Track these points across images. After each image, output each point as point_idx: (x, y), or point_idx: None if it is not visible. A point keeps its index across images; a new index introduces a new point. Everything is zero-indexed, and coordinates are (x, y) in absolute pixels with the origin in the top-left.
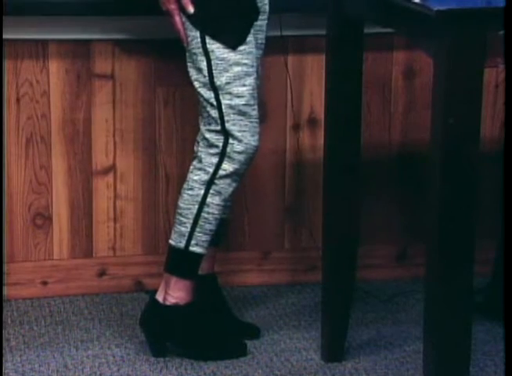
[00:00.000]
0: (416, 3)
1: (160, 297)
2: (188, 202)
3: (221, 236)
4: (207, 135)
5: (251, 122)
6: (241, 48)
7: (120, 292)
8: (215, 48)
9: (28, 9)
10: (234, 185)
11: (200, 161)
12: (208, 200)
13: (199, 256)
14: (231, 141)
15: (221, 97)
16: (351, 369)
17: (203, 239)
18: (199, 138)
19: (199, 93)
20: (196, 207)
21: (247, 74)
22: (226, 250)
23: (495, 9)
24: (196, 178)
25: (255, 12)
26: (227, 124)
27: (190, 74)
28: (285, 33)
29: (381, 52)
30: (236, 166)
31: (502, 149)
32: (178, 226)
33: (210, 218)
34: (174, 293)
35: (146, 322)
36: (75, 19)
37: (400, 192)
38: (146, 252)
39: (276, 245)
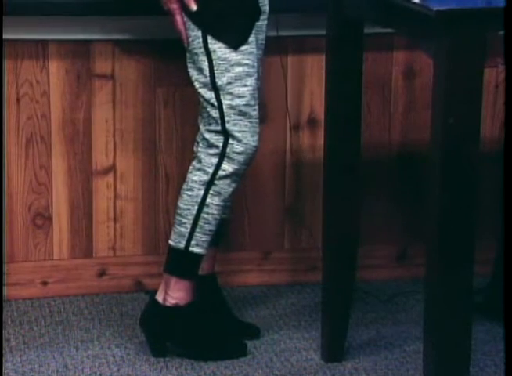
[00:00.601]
0: (416, 3)
1: (159, 297)
2: (187, 202)
3: (221, 237)
4: (207, 136)
5: (251, 123)
6: (243, 48)
7: (120, 292)
8: (217, 48)
9: (28, 9)
10: (234, 185)
11: (200, 162)
12: (208, 200)
13: (199, 256)
14: (231, 141)
15: (221, 97)
16: (351, 369)
17: (203, 239)
18: (198, 138)
19: (199, 93)
20: (196, 207)
21: (248, 75)
22: (226, 250)
23: (495, 9)
24: (195, 178)
25: (257, 12)
26: (227, 125)
27: (191, 74)
28: (285, 33)
29: (381, 52)
30: (235, 166)
31: (503, 149)
32: (178, 227)
33: (210, 219)
34: (174, 293)
35: (145, 322)
36: (75, 19)
37: (400, 192)
38: (146, 252)
39: (276, 245)
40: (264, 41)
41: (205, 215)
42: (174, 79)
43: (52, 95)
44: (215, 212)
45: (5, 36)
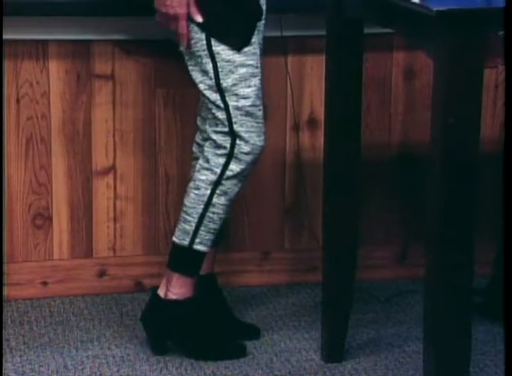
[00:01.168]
0: (415, 3)
1: (161, 292)
2: (194, 201)
3: (220, 237)
4: (214, 137)
5: (257, 123)
6: (246, 49)
7: (120, 292)
8: (221, 50)
9: (28, 9)
10: (240, 185)
11: (208, 161)
12: (214, 200)
13: (202, 254)
14: (238, 142)
15: (227, 99)
16: (351, 369)
17: (207, 238)
18: (198, 138)
19: (204, 95)
20: (202, 206)
21: (253, 75)
22: (226, 250)
23: (495, 9)
24: (203, 178)
25: (259, 13)
26: (235, 126)
27: (194, 76)
28: (285, 33)
29: (381, 52)
30: (242, 166)
31: (503, 149)
32: (183, 224)
33: (215, 218)
34: (176, 289)
35: (146, 318)
36: (75, 19)
37: (400, 192)
38: (146, 252)
39: (276, 245)
40: (262, 41)
41: (210, 214)
42: (174, 79)
43: (52, 95)
44: (221, 212)
45: (5, 36)
